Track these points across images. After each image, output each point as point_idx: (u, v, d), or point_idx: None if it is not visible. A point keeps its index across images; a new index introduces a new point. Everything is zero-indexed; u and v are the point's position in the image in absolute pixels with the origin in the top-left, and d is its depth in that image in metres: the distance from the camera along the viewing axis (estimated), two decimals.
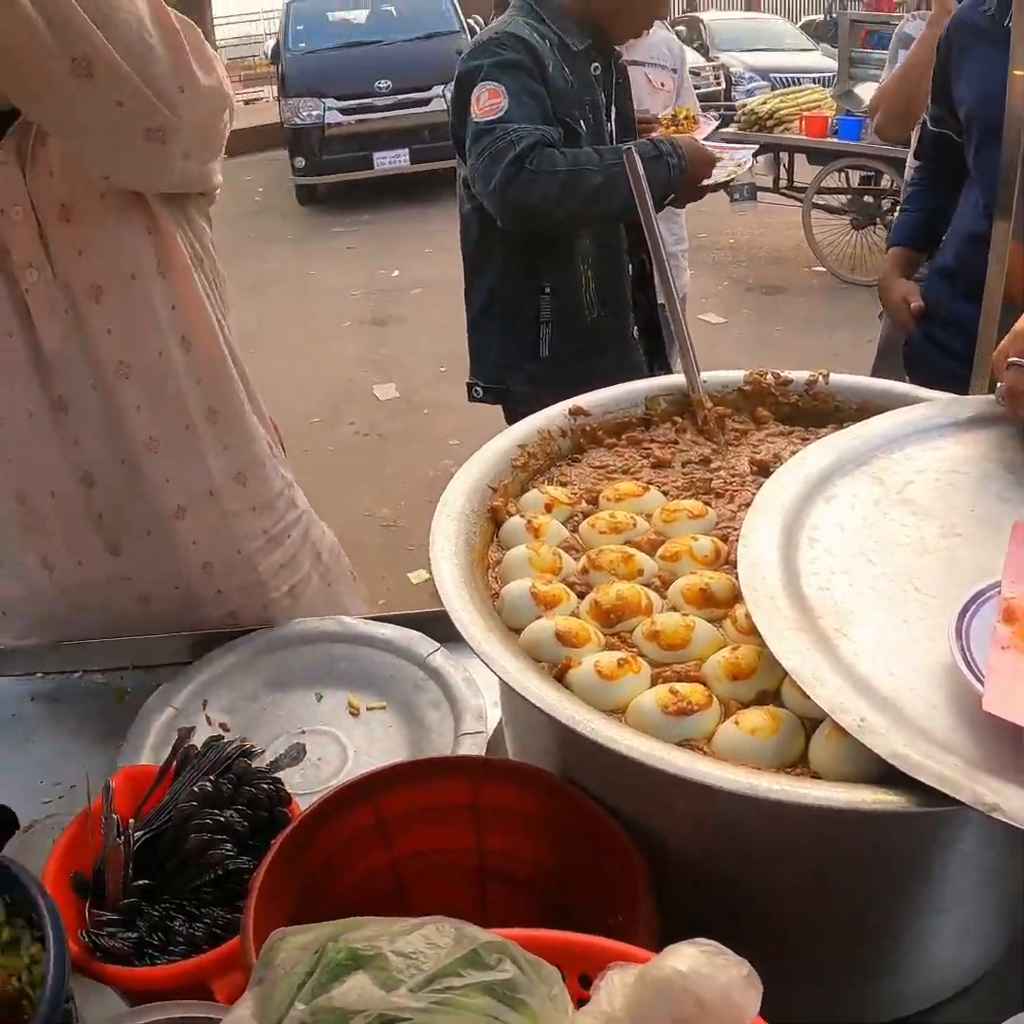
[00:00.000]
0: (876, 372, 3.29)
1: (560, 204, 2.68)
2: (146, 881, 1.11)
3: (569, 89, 2.81)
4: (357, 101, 12.39)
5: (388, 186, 12.31)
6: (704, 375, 1.43)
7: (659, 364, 3.23)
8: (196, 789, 1.13)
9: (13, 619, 1.83)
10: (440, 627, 1.60)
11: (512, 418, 3.13)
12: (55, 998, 0.93)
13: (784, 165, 9.60)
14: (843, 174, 9.04)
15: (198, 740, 1.25)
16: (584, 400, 1.42)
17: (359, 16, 14.44)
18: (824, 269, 8.93)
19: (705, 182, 3.01)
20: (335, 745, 1.50)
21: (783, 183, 9.70)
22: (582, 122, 2.85)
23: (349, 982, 0.62)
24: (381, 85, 12.99)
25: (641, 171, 1.55)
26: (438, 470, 5.35)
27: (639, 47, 4.05)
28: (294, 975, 0.66)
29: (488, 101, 2.72)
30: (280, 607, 1.78)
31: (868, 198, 9.04)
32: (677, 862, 0.93)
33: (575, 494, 1.28)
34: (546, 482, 1.33)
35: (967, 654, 0.85)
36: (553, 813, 1.04)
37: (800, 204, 9.25)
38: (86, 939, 1.06)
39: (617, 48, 3.03)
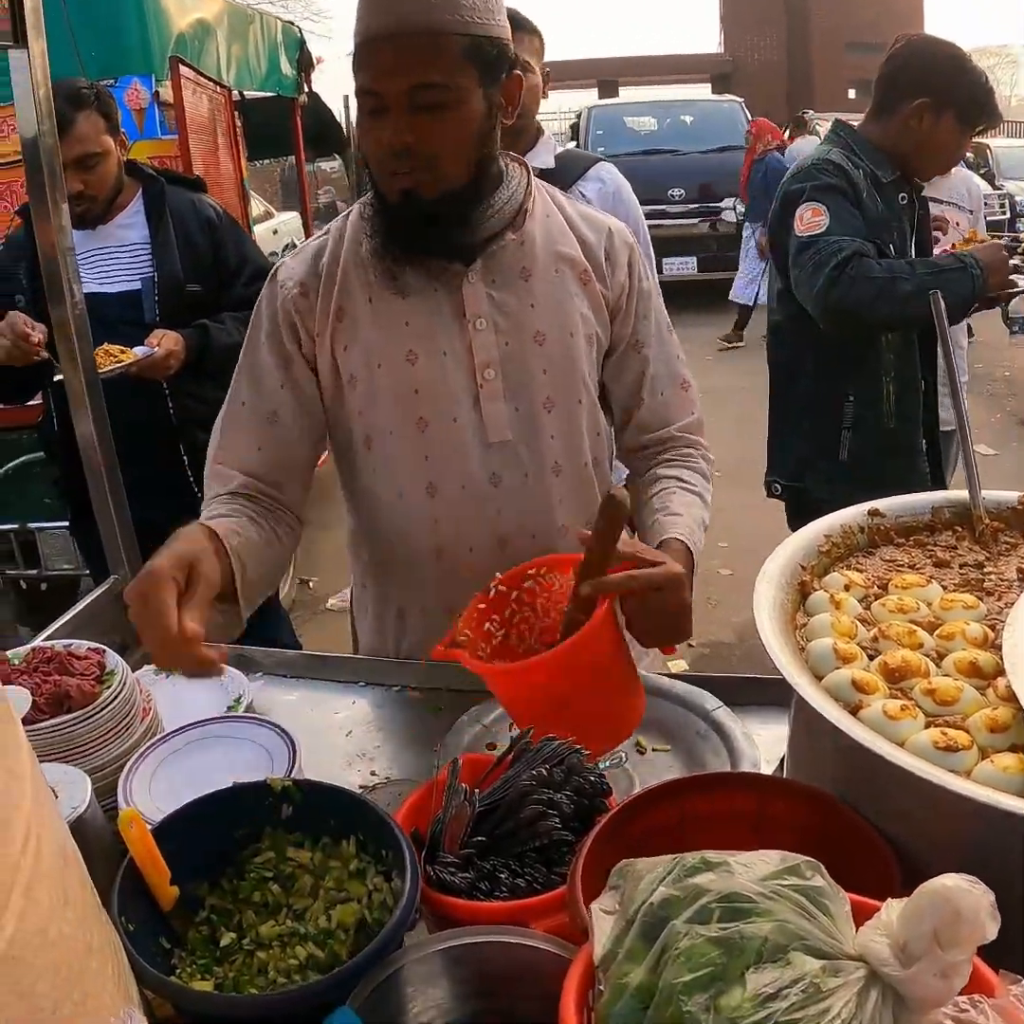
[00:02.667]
0: None
1: (876, 308, 2.92)
2: (482, 838, 1.26)
3: (879, 215, 3.08)
4: (650, 207, 12.74)
5: (674, 292, 12.58)
6: (984, 493, 1.59)
7: (937, 478, 3.37)
8: (534, 772, 1.29)
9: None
10: (724, 690, 1.79)
11: (802, 515, 3.33)
12: (410, 903, 1.15)
13: None
14: None
15: None
16: (881, 504, 1.59)
17: (652, 123, 14.94)
18: None
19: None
20: (624, 777, 1.68)
21: None
22: (891, 246, 3.09)
23: (701, 876, 0.88)
24: (674, 194, 13.42)
25: (944, 311, 1.73)
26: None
27: (940, 186, 4.26)
28: (655, 874, 0.92)
29: (811, 219, 3.01)
30: None
31: None
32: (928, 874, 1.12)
33: (869, 580, 1.46)
34: (845, 568, 1.50)
35: None
36: (822, 824, 1.19)
37: None
38: (431, 872, 1.23)
39: (920, 182, 3.27)
